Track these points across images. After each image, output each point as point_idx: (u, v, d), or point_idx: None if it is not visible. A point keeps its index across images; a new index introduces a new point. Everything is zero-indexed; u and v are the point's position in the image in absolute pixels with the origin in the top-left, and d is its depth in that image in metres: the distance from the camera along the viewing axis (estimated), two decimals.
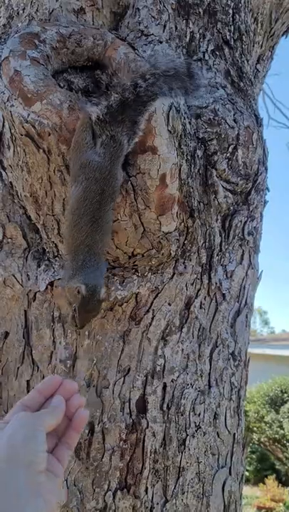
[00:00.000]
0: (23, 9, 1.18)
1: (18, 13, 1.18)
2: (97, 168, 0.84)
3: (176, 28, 1.23)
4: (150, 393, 1.10)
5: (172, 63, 0.88)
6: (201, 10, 1.28)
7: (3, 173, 1.09)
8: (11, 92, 0.87)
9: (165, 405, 1.11)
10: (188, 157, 1.04)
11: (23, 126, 0.86)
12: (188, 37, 1.26)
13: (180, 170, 1.00)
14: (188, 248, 1.14)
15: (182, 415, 1.13)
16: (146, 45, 1.17)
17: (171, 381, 1.12)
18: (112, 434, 1.08)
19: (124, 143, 0.87)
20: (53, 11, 1.17)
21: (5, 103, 0.88)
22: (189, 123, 1.06)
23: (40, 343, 1.10)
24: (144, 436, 1.09)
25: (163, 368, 1.12)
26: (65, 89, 0.88)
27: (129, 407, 1.10)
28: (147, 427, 1.09)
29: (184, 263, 1.14)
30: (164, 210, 1.01)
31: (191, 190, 1.07)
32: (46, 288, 1.08)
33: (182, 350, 1.15)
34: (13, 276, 1.11)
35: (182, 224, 1.08)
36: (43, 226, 1.04)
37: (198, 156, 1.09)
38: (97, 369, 1.10)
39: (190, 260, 1.15)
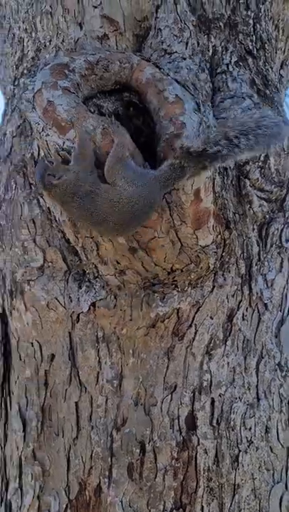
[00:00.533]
0: (50, 41, 1.22)
1: (45, 46, 1.23)
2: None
3: (198, 43, 1.24)
4: (199, 409, 1.09)
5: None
6: (221, 24, 1.29)
7: (41, 199, 1.12)
8: (46, 122, 0.90)
9: (215, 421, 1.10)
10: (221, 169, 1.04)
11: (59, 154, 0.89)
12: (210, 51, 1.27)
13: (214, 183, 1.00)
14: (227, 260, 1.13)
15: (233, 430, 1.11)
16: (170, 62, 1.18)
17: (219, 396, 1.11)
18: (163, 452, 1.07)
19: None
20: (78, 39, 1.21)
21: (40, 133, 0.91)
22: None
23: (86, 364, 1.11)
24: (196, 454, 1.08)
25: (210, 383, 1.11)
26: (96, 115, 0.90)
27: (179, 424, 1.09)
28: (198, 444, 1.08)
29: (223, 275, 1.13)
30: (200, 224, 1.01)
31: (226, 202, 1.06)
32: (89, 309, 1.09)
33: (228, 363, 1.14)
34: (56, 299, 1.13)
35: (219, 236, 1.08)
36: (82, 248, 1.06)
37: (230, 167, 1.09)
38: (143, 387, 1.10)
39: (229, 272, 1.14)
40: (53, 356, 1.16)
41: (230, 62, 1.27)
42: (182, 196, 0.97)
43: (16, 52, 1.33)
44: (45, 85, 0.92)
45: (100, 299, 1.07)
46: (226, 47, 1.28)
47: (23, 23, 1.28)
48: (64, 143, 0.88)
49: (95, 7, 1.20)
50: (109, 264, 1.04)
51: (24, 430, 1.16)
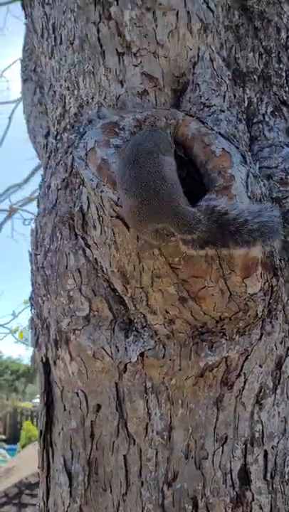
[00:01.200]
0: (92, 98, 1.28)
1: (87, 102, 1.29)
2: None
3: (234, 95, 1.29)
4: (252, 462, 1.06)
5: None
6: (255, 76, 1.34)
7: (87, 250, 1.14)
8: (100, 179, 0.93)
9: (268, 475, 1.06)
10: None
11: (113, 209, 0.91)
12: (246, 102, 1.32)
13: None
14: (274, 307, 1.12)
15: (287, 484, 1.07)
16: (209, 115, 1.23)
17: (272, 448, 1.08)
18: (216, 509, 1.03)
19: None
20: (119, 96, 1.26)
21: (94, 189, 0.94)
22: (264, 185, 1.08)
23: (134, 415, 1.10)
24: (251, 510, 1.04)
25: (262, 434, 1.08)
26: None
27: (232, 479, 1.05)
28: (253, 500, 1.04)
29: (270, 322, 1.13)
30: (248, 272, 1.02)
31: (273, 249, 1.07)
32: (137, 359, 1.09)
33: (278, 413, 1.12)
34: (103, 348, 1.13)
35: (266, 283, 1.08)
36: (130, 298, 1.07)
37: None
38: (193, 439, 1.08)
39: (276, 319, 1.13)
40: (99, 407, 1.15)
41: (265, 112, 1.31)
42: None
43: (57, 108, 1.39)
44: (98, 144, 0.96)
45: (149, 349, 1.07)
46: (261, 98, 1.33)
47: (65, 81, 1.35)
48: (118, 198, 0.91)
49: (136, 66, 1.26)
50: (159, 313, 1.04)
51: (70, 485, 1.14)
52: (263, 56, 1.37)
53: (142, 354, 1.08)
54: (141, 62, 1.26)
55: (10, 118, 7.43)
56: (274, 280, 1.09)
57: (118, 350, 1.12)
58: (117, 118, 1.02)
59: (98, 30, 1.28)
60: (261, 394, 1.10)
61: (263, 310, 1.09)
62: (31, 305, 1.33)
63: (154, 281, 1.00)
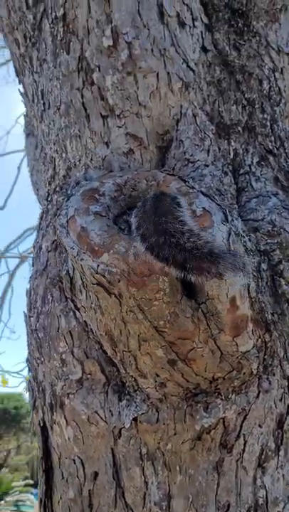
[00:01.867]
0: (79, 160, 1.31)
1: (75, 165, 1.32)
2: None
3: (219, 149, 1.31)
4: None
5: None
6: (240, 128, 1.36)
7: (77, 312, 1.14)
8: (80, 247, 0.93)
9: None
10: (255, 273, 1.04)
11: (93, 277, 0.92)
12: (232, 154, 1.33)
13: (248, 289, 1.00)
14: (270, 363, 1.09)
15: None
16: (193, 171, 1.24)
17: None
18: None
19: None
20: (105, 157, 1.29)
21: (75, 257, 0.94)
22: (249, 240, 1.07)
23: (131, 484, 1.06)
24: None
25: (266, 500, 1.03)
26: (128, 236, 0.93)
27: None
28: None
29: (267, 379, 1.09)
30: (238, 331, 0.99)
31: (263, 305, 1.05)
32: (130, 423, 1.06)
33: (283, 476, 1.06)
34: (96, 413, 1.10)
35: (259, 340, 1.05)
36: (120, 362, 1.05)
37: (263, 269, 1.09)
38: (194, 507, 1.03)
39: (274, 375, 1.09)
40: (96, 474, 1.12)
41: (252, 162, 1.32)
42: (218, 305, 0.96)
43: (48, 170, 1.43)
44: (77, 212, 0.97)
45: (142, 414, 1.04)
46: (247, 149, 1.34)
47: (54, 144, 1.39)
48: (98, 266, 0.91)
49: (120, 127, 1.29)
50: (149, 377, 1.02)
51: None
52: (247, 108, 1.39)
53: (135, 419, 1.06)
54: (125, 123, 1.29)
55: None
56: (267, 336, 1.06)
57: (112, 415, 1.09)
58: (97, 184, 1.04)
59: (82, 96, 1.32)
60: (263, 456, 1.05)
61: (258, 367, 1.06)
62: (28, 367, 1.32)
63: (142, 345, 0.98)
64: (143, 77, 1.30)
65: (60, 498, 1.16)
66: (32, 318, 1.25)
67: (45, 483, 1.22)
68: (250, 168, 1.31)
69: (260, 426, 1.06)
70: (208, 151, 1.29)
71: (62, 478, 1.17)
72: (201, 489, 1.04)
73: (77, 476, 1.13)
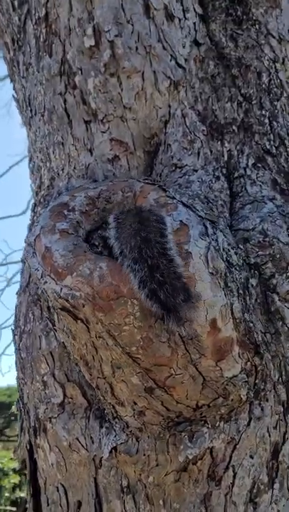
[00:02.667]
0: (62, 169, 1.25)
1: (58, 174, 1.25)
2: None
3: (211, 151, 1.21)
4: None
5: None
6: (234, 127, 1.25)
7: (56, 333, 1.08)
8: (44, 269, 0.87)
9: None
10: (241, 291, 0.94)
11: (57, 301, 0.85)
12: (226, 156, 1.22)
13: (232, 309, 0.91)
14: (262, 387, 0.99)
15: None
16: (180, 177, 1.15)
17: None
18: None
19: None
20: (89, 165, 1.22)
21: (39, 279, 0.88)
22: (236, 253, 0.98)
23: None
24: None
25: None
26: (95, 256, 0.86)
27: None
28: None
29: (260, 405, 0.99)
30: (222, 354, 0.90)
31: (251, 324, 0.95)
32: (111, 452, 0.99)
33: (278, 511, 0.97)
34: (77, 439, 1.04)
35: (248, 363, 0.96)
36: (97, 388, 0.98)
37: (252, 285, 0.99)
38: None
39: (267, 400, 1.00)
40: (80, 503, 1.06)
41: (247, 165, 1.21)
42: (197, 328, 0.88)
43: (36, 179, 1.38)
44: (43, 230, 0.91)
45: (121, 443, 0.97)
46: (242, 150, 1.23)
47: (40, 152, 1.33)
48: (61, 289, 0.84)
49: (103, 132, 1.22)
50: (127, 404, 0.95)
51: None
52: (243, 104, 1.28)
53: (115, 448, 0.99)
54: (109, 128, 1.22)
55: None
56: (257, 359, 0.96)
57: (93, 442, 1.03)
58: (67, 198, 0.97)
59: (65, 101, 1.25)
60: (255, 491, 0.96)
61: (248, 393, 0.97)
62: (18, 386, 1.28)
63: (116, 372, 0.91)
64: (127, 77, 1.21)
65: None
66: (16, 337, 1.20)
67: (33, 510, 1.18)
68: (246, 171, 1.20)
69: (251, 457, 0.97)
70: (198, 154, 1.19)
71: (48, 505, 1.12)
72: None
73: (60, 505, 1.07)
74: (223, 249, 0.93)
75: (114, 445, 0.97)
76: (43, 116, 1.31)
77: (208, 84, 1.30)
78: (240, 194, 1.17)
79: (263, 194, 1.15)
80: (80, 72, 1.23)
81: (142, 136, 1.23)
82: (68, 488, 1.07)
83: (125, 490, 0.98)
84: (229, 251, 0.96)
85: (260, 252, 1.02)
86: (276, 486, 0.97)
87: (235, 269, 0.95)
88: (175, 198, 0.98)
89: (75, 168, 1.23)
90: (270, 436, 0.99)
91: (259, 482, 0.97)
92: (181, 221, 0.91)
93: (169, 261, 0.82)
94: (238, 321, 0.92)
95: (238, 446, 0.97)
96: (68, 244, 0.87)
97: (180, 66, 1.25)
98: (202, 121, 1.24)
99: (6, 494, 7.31)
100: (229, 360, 0.91)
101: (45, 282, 0.86)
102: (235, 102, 1.28)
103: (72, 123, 1.24)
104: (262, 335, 0.99)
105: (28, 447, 1.19)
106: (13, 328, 1.27)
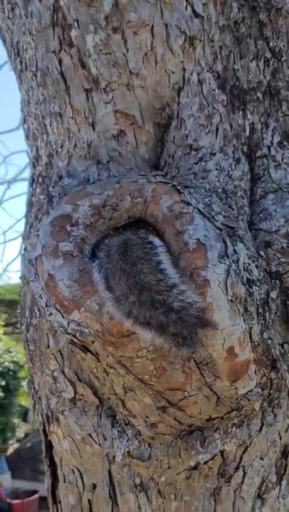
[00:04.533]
0: (62, 146, 1.10)
1: (57, 152, 1.11)
2: None
3: (231, 126, 1.05)
4: None
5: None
6: (259, 93, 1.07)
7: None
8: (48, 298, 0.80)
9: None
10: (260, 310, 0.88)
11: (64, 335, 0.79)
12: (247, 130, 1.07)
13: (250, 333, 0.85)
14: (276, 396, 0.98)
15: None
16: (196, 163, 1.01)
17: None
18: None
19: None
20: (91, 142, 1.07)
21: (44, 308, 0.81)
22: (256, 266, 0.89)
23: (125, 507, 1.05)
24: None
25: None
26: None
27: None
28: None
29: (272, 412, 0.99)
30: (238, 376, 0.87)
31: (269, 342, 0.90)
32: (123, 454, 1.01)
33: (284, 505, 1.01)
34: (90, 435, 1.06)
35: (264, 378, 0.93)
36: (108, 399, 0.97)
37: (272, 298, 0.91)
38: None
39: (280, 408, 0.99)
40: (94, 486, 1.11)
41: (271, 143, 1.06)
42: (213, 353, 0.83)
43: (32, 148, 1.23)
44: (45, 251, 0.81)
45: (134, 449, 0.99)
46: (267, 123, 1.07)
47: (35, 120, 1.17)
48: (69, 324, 0.78)
49: (107, 103, 1.05)
50: (139, 417, 0.94)
51: None
52: (271, 62, 1.09)
53: (128, 451, 1.00)
54: (113, 98, 1.05)
55: None
56: (273, 374, 0.93)
57: (105, 439, 1.05)
58: (70, 209, 0.85)
59: (60, 61, 1.06)
60: (263, 488, 1.00)
61: (262, 403, 0.95)
62: (28, 371, 1.27)
63: (128, 393, 0.89)
64: (133, 34, 1.01)
65: (63, 498, 1.19)
66: (23, 327, 1.17)
67: (51, 478, 1.24)
68: (270, 150, 1.05)
69: (261, 458, 0.99)
70: (217, 131, 1.03)
71: (64, 481, 1.18)
72: None
73: (76, 486, 1.13)
74: (244, 269, 0.84)
75: (127, 450, 0.99)
76: (35, 76, 1.12)
77: (229, 34, 1.08)
78: (262, 179, 1.04)
79: (288, 181, 1.02)
80: (76, 24, 1.03)
81: (151, 106, 1.06)
82: (84, 472, 1.12)
83: (138, 487, 1.02)
84: (250, 265, 0.87)
85: (282, 259, 0.93)
86: (283, 482, 1.01)
87: (256, 284, 0.87)
88: (191, 205, 0.86)
89: (75, 146, 1.08)
90: (280, 439, 1.00)
91: (268, 481, 1.00)
92: (198, 240, 0.81)
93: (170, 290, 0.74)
94: (256, 343, 0.86)
95: (249, 448, 0.99)
96: (73, 271, 0.79)
97: (197, 15, 1.03)
98: (222, 87, 1.06)
99: (23, 384, 8.00)
100: (245, 379, 0.88)
101: (51, 314, 0.80)
102: (261, 59, 1.08)
103: (70, 90, 1.07)
104: (279, 347, 0.94)
105: (42, 428, 1.22)
106: (18, 315, 1.23)
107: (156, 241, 0.78)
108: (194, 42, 1.04)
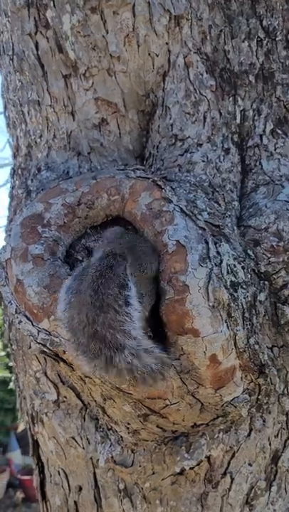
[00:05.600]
0: (40, 136, 1.04)
1: (36, 142, 1.05)
2: None
3: (220, 114, 0.97)
4: None
5: None
6: (252, 77, 0.99)
7: None
8: (17, 305, 0.75)
9: None
10: (246, 314, 0.82)
11: (34, 343, 0.75)
12: (238, 118, 0.99)
13: (235, 340, 0.80)
14: (265, 401, 0.93)
15: None
16: (181, 155, 0.94)
17: None
18: None
19: None
20: (71, 132, 1.01)
21: (13, 315, 0.76)
22: (243, 268, 0.83)
23: (110, 511, 1.02)
24: None
25: None
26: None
27: None
28: None
29: (261, 417, 0.94)
30: (222, 383, 0.82)
31: (257, 347, 0.85)
32: (106, 459, 0.98)
33: (274, 511, 0.98)
34: (74, 439, 1.03)
35: (251, 383, 0.88)
36: (88, 405, 0.93)
37: (260, 301, 0.86)
38: None
39: (269, 413, 0.94)
40: (80, 488, 1.09)
41: (264, 131, 0.98)
42: (194, 361, 0.78)
43: (13, 138, 1.16)
44: (14, 253, 0.76)
45: (116, 454, 0.95)
46: (259, 109, 0.99)
47: (14, 107, 1.10)
48: (39, 333, 0.73)
49: (87, 90, 0.98)
50: (120, 424, 0.90)
51: None
52: (264, 42, 1.00)
53: (111, 456, 0.97)
54: (93, 84, 0.98)
55: None
56: (261, 379, 0.88)
57: (89, 443, 1.01)
58: (42, 207, 0.80)
59: (36, 45, 0.99)
60: (252, 495, 0.96)
61: (250, 409, 0.91)
62: (13, 370, 1.24)
63: (106, 401, 0.84)
64: (113, 14, 0.93)
65: (50, 497, 1.17)
66: (5, 325, 1.13)
67: (39, 474, 1.22)
68: (262, 140, 0.98)
69: (250, 464, 0.95)
70: (204, 119, 0.96)
71: (50, 482, 1.15)
72: None
73: (62, 487, 1.11)
74: (228, 271, 0.78)
75: (110, 455, 0.95)
76: (12, 60, 1.05)
77: (220, 12, 1.00)
78: (253, 170, 0.98)
79: (281, 173, 0.95)
80: (52, 4, 0.95)
81: (134, 93, 0.99)
82: (69, 474, 1.09)
83: (122, 492, 0.99)
84: (235, 267, 0.81)
85: (272, 259, 0.87)
86: (273, 488, 0.97)
87: (242, 287, 0.81)
88: (172, 202, 0.80)
89: (54, 136, 1.02)
90: (270, 445, 0.96)
91: (256, 488, 0.96)
92: (178, 241, 0.75)
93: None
94: (241, 350, 0.81)
95: (236, 454, 0.95)
96: (43, 276, 0.74)
97: None
98: (210, 71, 0.98)
99: None
100: (230, 386, 0.83)
101: (20, 322, 0.75)
102: (254, 39, 1.00)
103: (47, 76, 1.00)
104: (268, 351, 0.89)
105: (28, 427, 1.19)
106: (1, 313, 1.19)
107: (131, 284, 0.69)
108: (180, 21, 0.96)
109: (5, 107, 1.21)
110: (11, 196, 1.13)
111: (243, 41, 0.99)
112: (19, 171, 1.09)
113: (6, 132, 1.22)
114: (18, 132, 1.10)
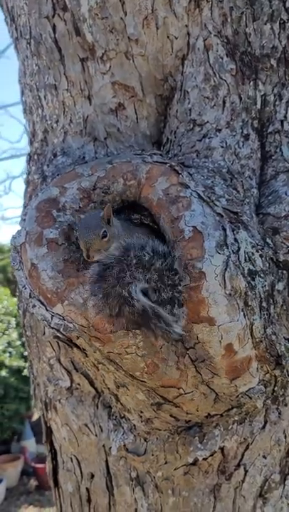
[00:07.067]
0: (57, 121, 1.03)
1: (52, 127, 1.04)
2: None
3: (240, 99, 0.95)
4: None
5: None
6: (273, 61, 0.96)
7: None
8: (32, 289, 0.74)
9: None
10: (264, 303, 0.80)
11: (48, 328, 0.74)
12: (258, 103, 0.96)
13: (252, 329, 0.78)
14: (281, 393, 0.91)
15: None
16: (199, 140, 0.92)
17: None
18: None
19: None
20: (87, 117, 0.99)
21: (28, 299, 0.76)
22: (261, 256, 0.81)
23: (122, 499, 1.02)
24: None
25: None
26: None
27: None
28: None
29: (277, 409, 0.92)
30: (237, 373, 0.81)
31: (274, 337, 0.83)
32: (119, 447, 0.97)
33: (288, 505, 0.96)
34: (86, 426, 1.03)
35: (267, 374, 0.86)
36: (102, 392, 0.92)
37: (278, 291, 0.84)
38: None
39: (285, 405, 0.92)
40: (92, 475, 1.09)
41: (285, 117, 0.96)
42: (209, 350, 0.77)
43: (29, 123, 1.16)
44: (29, 238, 0.75)
45: (129, 442, 0.94)
46: (280, 94, 0.96)
47: (30, 92, 1.09)
48: (52, 317, 0.73)
49: (104, 74, 0.96)
50: (133, 412, 0.89)
51: None
52: (287, 25, 0.97)
53: (124, 444, 0.96)
54: (110, 67, 0.96)
55: None
56: (277, 371, 0.86)
57: (102, 431, 1.01)
58: (57, 192, 0.79)
59: (54, 28, 0.98)
60: (266, 487, 0.95)
61: (265, 401, 0.89)
62: (28, 357, 1.24)
63: (120, 388, 0.84)
64: None
65: (63, 484, 1.17)
66: (20, 311, 1.13)
67: (52, 461, 1.23)
68: (282, 125, 0.95)
69: (264, 457, 0.94)
70: (224, 104, 0.94)
71: (63, 468, 1.16)
72: (196, 510, 0.97)
73: (75, 474, 1.11)
74: (246, 259, 0.76)
75: (123, 443, 0.95)
76: (29, 44, 1.04)
77: None
78: (273, 157, 0.95)
79: None
80: None
81: (152, 77, 0.97)
82: (81, 461, 1.09)
83: (134, 481, 0.98)
84: (253, 255, 0.79)
85: None
86: (288, 482, 0.95)
87: (259, 276, 0.79)
88: (189, 188, 0.78)
89: (71, 121, 1.01)
90: (286, 438, 0.94)
91: (270, 480, 0.94)
92: (194, 228, 0.73)
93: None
94: (258, 340, 0.79)
95: (250, 446, 0.93)
96: (58, 261, 0.73)
97: None
98: (231, 54, 0.95)
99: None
100: (246, 376, 0.82)
101: (34, 306, 0.74)
102: (277, 21, 0.97)
103: (64, 60, 0.98)
104: (285, 342, 0.87)
105: (42, 413, 1.20)
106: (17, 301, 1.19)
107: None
108: (201, 3, 0.93)
109: (22, 93, 1.20)
110: (27, 182, 1.12)
111: (265, 23, 0.96)
112: (35, 157, 1.08)
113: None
114: (35, 117, 1.09)
